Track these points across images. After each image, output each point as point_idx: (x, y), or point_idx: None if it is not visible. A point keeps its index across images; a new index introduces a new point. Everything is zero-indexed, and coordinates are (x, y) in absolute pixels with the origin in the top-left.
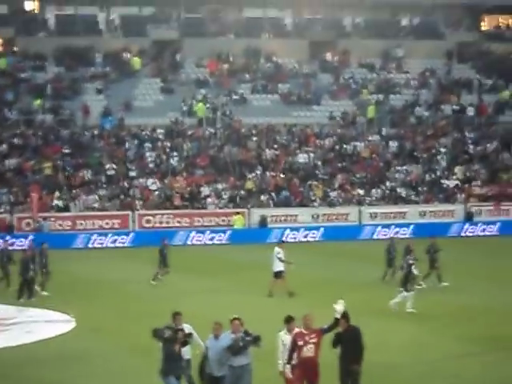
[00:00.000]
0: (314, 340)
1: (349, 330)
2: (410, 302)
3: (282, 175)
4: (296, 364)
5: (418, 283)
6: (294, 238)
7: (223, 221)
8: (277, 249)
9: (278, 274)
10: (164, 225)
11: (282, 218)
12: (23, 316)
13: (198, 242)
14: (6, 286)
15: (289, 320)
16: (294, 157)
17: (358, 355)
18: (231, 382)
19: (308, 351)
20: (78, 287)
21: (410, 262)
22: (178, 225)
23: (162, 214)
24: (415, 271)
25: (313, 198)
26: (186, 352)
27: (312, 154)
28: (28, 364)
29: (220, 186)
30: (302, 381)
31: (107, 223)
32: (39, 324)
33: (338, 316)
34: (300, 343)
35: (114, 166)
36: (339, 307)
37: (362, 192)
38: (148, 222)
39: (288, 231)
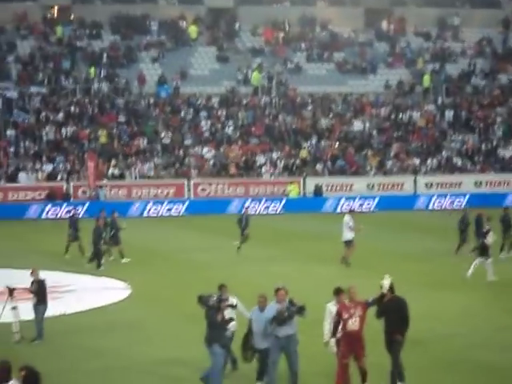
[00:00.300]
0: (358, 313)
1: (393, 301)
2: (491, 270)
3: (337, 144)
4: (341, 337)
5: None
6: (349, 207)
7: (278, 190)
8: (347, 217)
9: (347, 243)
10: (219, 193)
11: (337, 187)
12: (78, 283)
13: (253, 211)
14: (65, 252)
15: (338, 292)
16: (349, 126)
17: (402, 326)
18: (277, 353)
19: (353, 324)
20: (133, 255)
21: (487, 227)
22: (232, 194)
23: (217, 183)
24: (490, 239)
25: (368, 168)
26: (231, 325)
27: (367, 123)
28: (79, 332)
29: (275, 155)
30: (348, 354)
31: (162, 192)
32: (94, 291)
33: (385, 291)
34: (345, 316)
35: (170, 135)
36: (386, 282)
37: (417, 161)
38: (203, 190)
39: (343, 200)
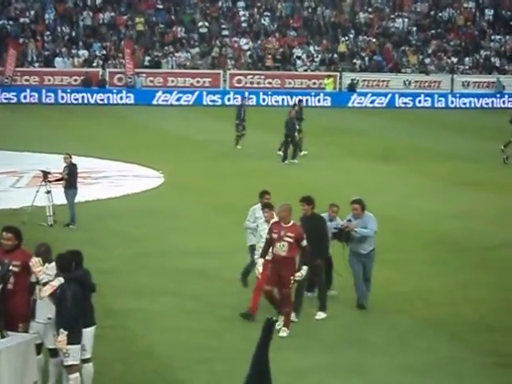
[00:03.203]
0: (289, 239)
1: (312, 218)
2: None
3: (374, 40)
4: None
5: None
6: (381, 104)
7: (314, 83)
8: None
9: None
10: (255, 85)
11: (374, 83)
12: (112, 170)
13: (288, 104)
14: (234, 145)
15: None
16: (388, 21)
17: (322, 248)
18: (360, 267)
19: (280, 248)
20: (167, 144)
21: None
22: (268, 86)
23: (253, 75)
24: None
25: (405, 64)
26: None
27: (406, 20)
28: (113, 217)
29: (312, 49)
30: (270, 281)
31: (198, 81)
32: (127, 179)
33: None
34: (274, 236)
35: (207, 24)
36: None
37: (455, 60)
38: (239, 81)
39: (378, 96)
